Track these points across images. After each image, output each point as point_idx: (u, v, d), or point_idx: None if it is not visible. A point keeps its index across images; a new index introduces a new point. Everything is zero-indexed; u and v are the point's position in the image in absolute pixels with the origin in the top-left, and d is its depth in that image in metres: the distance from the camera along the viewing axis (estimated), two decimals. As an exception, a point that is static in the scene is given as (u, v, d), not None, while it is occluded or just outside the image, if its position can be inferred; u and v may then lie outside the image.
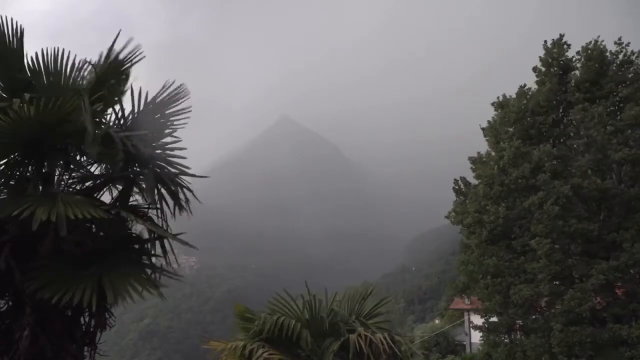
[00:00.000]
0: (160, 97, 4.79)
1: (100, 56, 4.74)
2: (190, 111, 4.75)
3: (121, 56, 4.67)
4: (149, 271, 4.53)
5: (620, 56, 13.86)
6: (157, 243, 4.73)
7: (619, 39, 14.02)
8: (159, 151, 4.71)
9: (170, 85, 4.83)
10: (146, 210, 4.85)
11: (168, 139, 4.74)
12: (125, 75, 4.80)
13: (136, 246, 4.76)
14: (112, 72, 4.70)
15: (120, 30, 4.57)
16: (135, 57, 4.73)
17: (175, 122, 4.79)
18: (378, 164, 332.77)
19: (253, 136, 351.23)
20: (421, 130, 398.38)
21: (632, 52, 13.85)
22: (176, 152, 4.69)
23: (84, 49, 4.91)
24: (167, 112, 4.77)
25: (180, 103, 4.78)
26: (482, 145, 16.16)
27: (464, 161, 17.27)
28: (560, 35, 14.35)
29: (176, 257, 4.78)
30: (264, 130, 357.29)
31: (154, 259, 4.71)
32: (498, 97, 15.20)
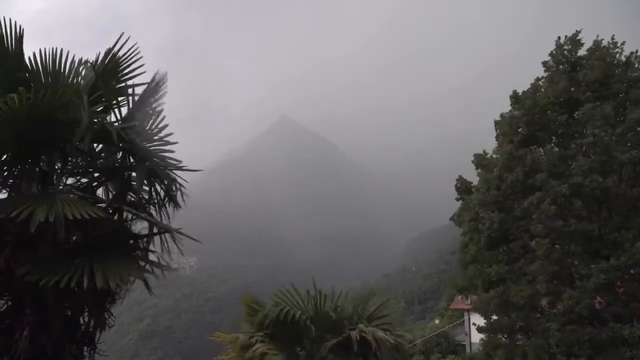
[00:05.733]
0: (148, 90, 4.82)
1: (98, 56, 4.78)
2: (165, 91, 4.69)
3: (119, 55, 4.71)
4: (142, 263, 4.55)
5: (624, 57, 13.82)
6: (155, 239, 4.76)
7: (612, 38, 14.06)
8: (152, 146, 4.70)
9: (155, 75, 4.85)
10: (146, 206, 4.87)
11: (162, 133, 4.73)
12: (124, 74, 4.82)
13: (131, 241, 4.78)
14: (111, 72, 4.73)
15: (122, 33, 4.65)
16: (134, 56, 4.77)
17: (155, 108, 4.75)
18: (378, 164, 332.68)
19: (253, 136, 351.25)
20: (421, 130, 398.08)
21: (632, 54, 13.87)
22: (167, 147, 4.68)
23: (83, 49, 4.94)
24: (152, 101, 4.76)
25: (163, 90, 4.76)
26: (481, 146, 16.13)
27: (464, 161, 17.23)
28: (577, 31, 14.19)
29: (171, 255, 4.79)
30: (264, 131, 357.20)
31: (149, 255, 4.73)
32: (515, 91, 14.80)
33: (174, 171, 4.76)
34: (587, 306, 12.01)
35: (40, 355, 4.02)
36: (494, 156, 14.85)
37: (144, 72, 4.81)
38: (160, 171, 4.69)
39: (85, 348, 4.44)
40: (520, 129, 14.18)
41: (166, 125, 4.72)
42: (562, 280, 12.82)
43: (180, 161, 4.69)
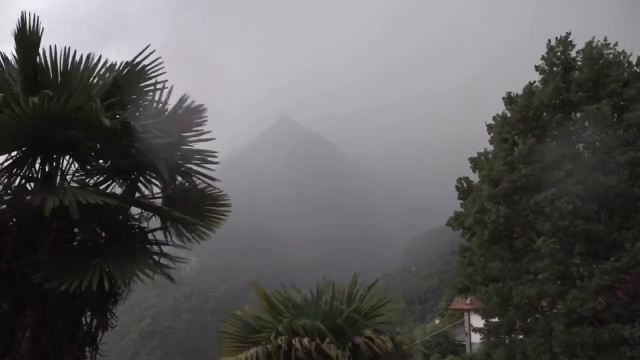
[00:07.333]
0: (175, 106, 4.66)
1: (121, 64, 4.70)
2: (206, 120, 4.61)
3: (141, 66, 4.62)
4: (156, 257, 4.53)
5: (621, 57, 13.82)
6: (161, 233, 4.76)
7: (605, 38, 14.08)
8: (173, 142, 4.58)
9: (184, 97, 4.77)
10: (154, 200, 4.83)
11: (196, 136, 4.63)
12: (143, 85, 4.74)
13: (138, 236, 4.73)
14: (130, 81, 4.65)
15: (148, 45, 4.53)
16: (156, 68, 4.68)
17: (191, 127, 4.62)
18: (378, 164, 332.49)
19: (253, 136, 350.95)
20: (421, 130, 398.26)
21: (623, 53, 13.89)
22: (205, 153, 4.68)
23: (83, 49, 4.84)
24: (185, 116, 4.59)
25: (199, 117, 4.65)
26: (481, 146, 16.14)
27: (463, 161, 17.26)
28: (567, 33, 14.21)
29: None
30: (264, 131, 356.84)
31: (156, 247, 4.72)
32: (509, 92, 14.97)
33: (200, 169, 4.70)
34: (591, 307, 12.01)
35: (42, 356, 4.01)
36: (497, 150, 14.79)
37: (166, 87, 4.66)
38: (181, 168, 4.62)
39: (87, 348, 4.44)
40: (517, 126, 14.20)
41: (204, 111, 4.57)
42: (563, 280, 12.84)
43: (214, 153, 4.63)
